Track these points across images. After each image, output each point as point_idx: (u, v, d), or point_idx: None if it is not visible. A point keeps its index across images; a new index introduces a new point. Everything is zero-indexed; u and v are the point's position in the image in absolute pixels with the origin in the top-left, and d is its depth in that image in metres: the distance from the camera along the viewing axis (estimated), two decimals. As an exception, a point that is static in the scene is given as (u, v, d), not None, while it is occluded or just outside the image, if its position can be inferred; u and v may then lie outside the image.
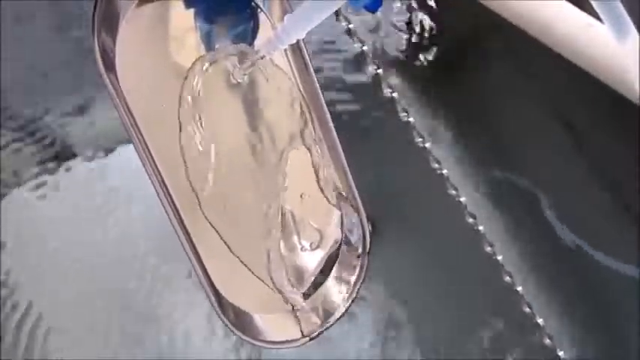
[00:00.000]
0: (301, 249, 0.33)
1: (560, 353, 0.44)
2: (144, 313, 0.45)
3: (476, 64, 0.51)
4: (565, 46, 0.37)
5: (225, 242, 0.31)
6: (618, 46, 0.21)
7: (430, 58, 0.50)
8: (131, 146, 0.30)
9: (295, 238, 0.33)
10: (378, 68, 0.47)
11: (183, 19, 0.30)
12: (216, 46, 0.30)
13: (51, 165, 0.47)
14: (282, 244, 0.33)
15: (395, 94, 0.47)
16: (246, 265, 0.32)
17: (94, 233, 0.47)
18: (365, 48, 0.47)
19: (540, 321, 0.44)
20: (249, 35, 0.31)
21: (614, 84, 0.33)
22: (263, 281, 0.32)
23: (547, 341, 0.44)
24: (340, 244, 0.34)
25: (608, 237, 0.48)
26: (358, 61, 0.48)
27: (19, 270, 0.45)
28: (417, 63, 0.50)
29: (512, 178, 0.50)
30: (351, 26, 0.47)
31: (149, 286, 0.46)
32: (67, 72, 0.47)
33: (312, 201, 0.33)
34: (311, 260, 0.34)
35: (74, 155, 0.47)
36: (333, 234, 0.34)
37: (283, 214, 0.32)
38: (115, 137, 0.47)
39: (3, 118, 0.46)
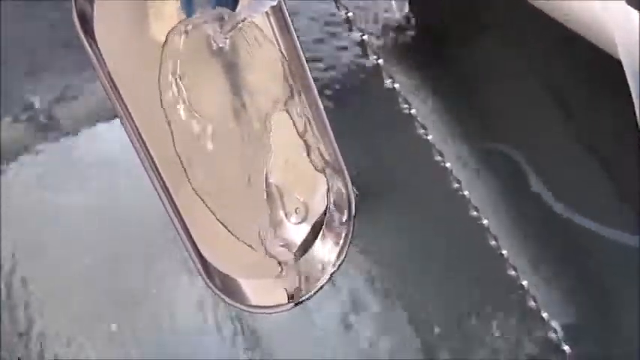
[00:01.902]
0: (288, 222, 0.33)
1: (545, 315, 0.45)
2: (135, 283, 0.46)
3: (466, 37, 0.51)
4: (552, 5, 0.37)
5: (210, 210, 0.31)
6: (599, 2, 0.21)
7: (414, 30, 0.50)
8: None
9: (281, 212, 0.33)
10: (363, 34, 0.47)
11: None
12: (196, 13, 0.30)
13: (42, 139, 0.47)
14: (268, 215, 0.33)
15: (381, 61, 0.47)
16: (231, 232, 0.32)
17: (84, 205, 0.47)
18: (350, 14, 0.47)
19: (525, 283, 0.45)
20: (230, 3, 0.30)
21: (594, 38, 0.33)
22: (251, 246, 0.32)
23: (532, 303, 0.45)
24: (326, 211, 0.34)
25: (596, 204, 0.49)
26: (343, 28, 0.47)
27: (14, 240, 0.45)
28: (404, 32, 0.50)
29: (499, 145, 0.50)
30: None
31: (138, 255, 0.46)
32: (54, 50, 0.46)
33: (297, 171, 0.33)
34: (297, 234, 0.34)
35: (64, 130, 0.47)
36: (319, 207, 0.34)
37: (269, 187, 0.32)
38: (104, 111, 0.47)
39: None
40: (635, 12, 0.24)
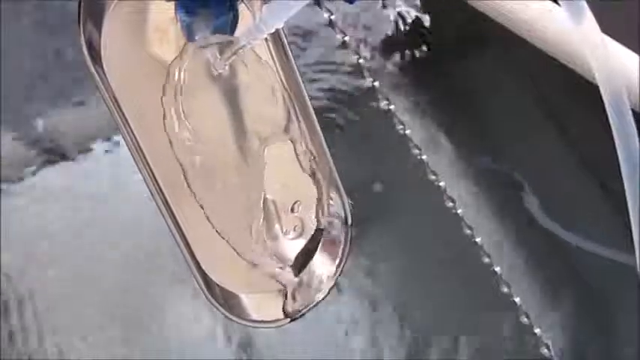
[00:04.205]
0: (284, 237, 0.34)
1: (537, 330, 0.45)
2: (137, 303, 0.46)
3: (461, 55, 0.52)
4: (528, 30, 0.38)
5: (212, 225, 0.32)
6: (575, 29, 0.23)
7: (413, 50, 0.51)
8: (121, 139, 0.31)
9: (277, 227, 0.34)
10: (360, 57, 0.48)
11: (167, 11, 0.31)
12: (197, 37, 0.31)
13: (42, 157, 0.47)
14: (265, 232, 0.34)
15: (376, 83, 0.48)
16: (233, 248, 0.33)
17: (86, 224, 0.47)
18: (347, 38, 0.48)
19: (517, 299, 0.46)
20: (229, 27, 0.32)
21: (574, 65, 0.35)
22: (248, 260, 0.33)
23: (524, 319, 0.46)
24: (323, 227, 0.35)
25: (590, 222, 0.49)
26: (339, 51, 0.49)
27: (16, 263, 0.46)
28: (400, 53, 0.51)
29: (493, 164, 0.51)
30: (332, 17, 0.48)
31: (141, 275, 0.47)
32: (60, 69, 0.47)
33: (295, 189, 0.34)
34: (293, 249, 0.35)
35: (65, 147, 0.48)
36: (313, 224, 0.35)
37: (265, 203, 0.33)
38: (107, 131, 0.48)
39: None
40: (612, 42, 0.25)
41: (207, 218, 0.32)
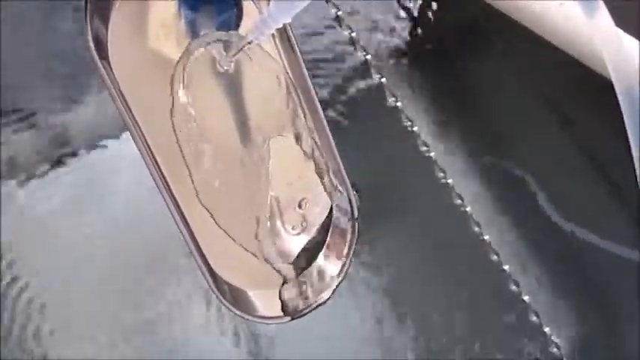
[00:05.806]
0: (290, 233, 0.34)
1: (547, 329, 0.45)
2: (140, 299, 0.46)
3: (467, 51, 0.52)
4: (539, 24, 0.38)
5: (216, 222, 0.32)
6: (587, 23, 0.22)
7: (417, 46, 0.51)
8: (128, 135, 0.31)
9: (279, 223, 0.34)
10: (367, 54, 0.48)
11: (173, 7, 0.31)
12: (201, 33, 0.31)
13: (49, 155, 0.47)
14: (270, 228, 0.33)
15: (384, 80, 0.48)
16: (239, 244, 0.33)
17: (92, 221, 0.47)
18: (354, 34, 0.48)
19: (527, 298, 0.45)
20: (233, 22, 0.31)
21: (586, 59, 0.35)
22: (254, 255, 0.33)
23: (534, 318, 0.45)
24: (329, 224, 0.35)
25: (598, 218, 0.49)
26: (347, 48, 0.48)
27: (18, 260, 0.46)
28: (406, 50, 0.51)
29: (501, 161, 0.51)
30: (339, 13, 0.48)
31: (145, 270, 0.47)
32: (64, 63, 0.47)
33: (300, 185, 0.34)
34: (298, 244, 0.34)
35: (72, 145, 0.48)
36: (318, 220, 0.35)
37: (271, 200, 0.33)
38: (112, 126, 0.48)
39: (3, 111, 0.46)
40: (623, 33, 0.25)
41: (212, 216, 0.32)
